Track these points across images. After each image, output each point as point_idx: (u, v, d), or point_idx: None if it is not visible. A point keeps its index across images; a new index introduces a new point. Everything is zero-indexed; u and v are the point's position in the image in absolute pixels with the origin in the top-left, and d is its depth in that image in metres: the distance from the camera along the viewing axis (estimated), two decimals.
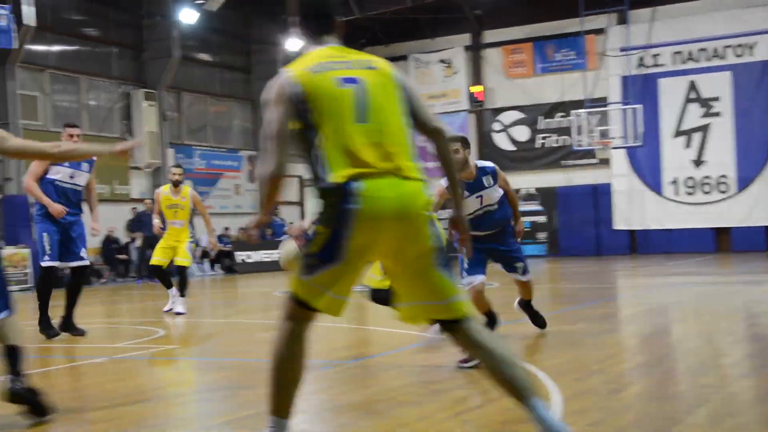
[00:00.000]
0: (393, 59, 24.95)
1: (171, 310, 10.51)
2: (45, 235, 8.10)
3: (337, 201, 3.10)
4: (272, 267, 23.09)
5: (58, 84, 20.83)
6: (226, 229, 24.14)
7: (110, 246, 20.93)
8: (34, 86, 20.21)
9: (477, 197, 6.50)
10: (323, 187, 3.15)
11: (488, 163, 6.63)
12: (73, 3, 21.36)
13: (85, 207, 8.57)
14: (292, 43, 25.69)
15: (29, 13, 18.75)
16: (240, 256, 22.99)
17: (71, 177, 8.22)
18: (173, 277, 10.78)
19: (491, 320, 6.66)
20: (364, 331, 8.71)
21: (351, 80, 3.19)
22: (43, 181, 8.13)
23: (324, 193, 3.16)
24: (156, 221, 10.71)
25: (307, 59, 3.29)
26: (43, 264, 8.12)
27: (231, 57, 25.95)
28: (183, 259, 10.65)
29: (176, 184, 10.63)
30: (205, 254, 22.86)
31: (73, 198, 8.27)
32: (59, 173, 8.17)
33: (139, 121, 22.29)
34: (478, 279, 6.53)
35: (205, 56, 25.11)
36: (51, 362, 7.08)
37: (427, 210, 3.18)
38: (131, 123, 22.32)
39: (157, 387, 5.77)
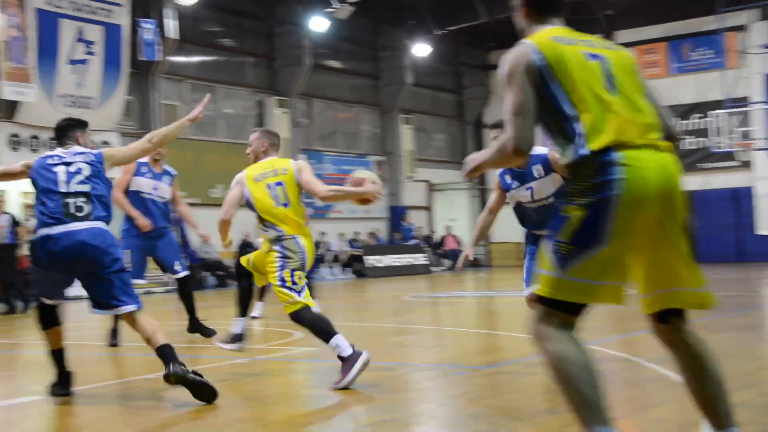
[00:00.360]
0: None
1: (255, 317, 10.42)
2: (127, 251, 7.82)
3: (596, 172, 2.80)
4: (402, 271, 23.22)
5: (196, 93, 21.66)
6: (356, 233, 24.46)
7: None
8: (175, 96, 21.11)
9: (527, 189, 5.74)
10: (576, 158, 2.84)
11: (542, 150, 5.65)
12: (210, 15, 22.19)
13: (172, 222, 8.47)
14: (419, 48, 25.81)
15: (172, 27, 19.66)
16: (369, 260, 23.24)
17: (154, 189, 8.12)
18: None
19: None
20: (495, 337, 8.62)
21: (595, 56, 2.99)
22: (128, 193, 8.03)
23: (577, 165, 2.85)
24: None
25: (543, 33, 3.05)
26: None
27: (359, 64, 26.31)
28: None
29: None
30: (336, 258, 23.25)
31: (158, 209, 8.13)
32: (142, 185, 8.08)
33: (271, 128, 22.88)
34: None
35: (334, 63, 25.56)
36: (196, 362, 7.33)
37: (683, 185, 2.95)
38: None
39: (296, 388, 5.89)
